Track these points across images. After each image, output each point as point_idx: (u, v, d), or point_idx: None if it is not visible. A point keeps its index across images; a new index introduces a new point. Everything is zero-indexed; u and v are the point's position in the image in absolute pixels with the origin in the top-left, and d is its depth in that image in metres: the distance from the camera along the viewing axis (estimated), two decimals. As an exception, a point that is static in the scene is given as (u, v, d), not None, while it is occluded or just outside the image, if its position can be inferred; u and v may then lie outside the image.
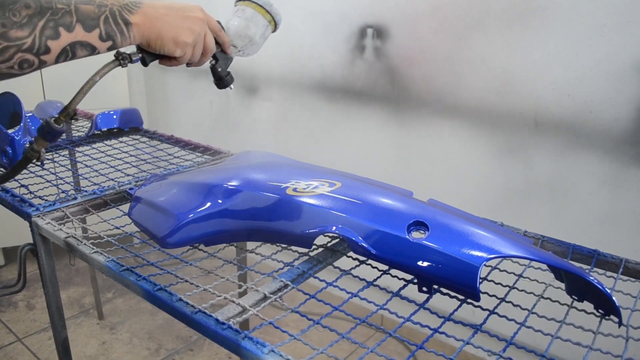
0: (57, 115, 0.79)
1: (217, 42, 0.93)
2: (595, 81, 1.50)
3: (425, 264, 0.74)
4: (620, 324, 0.74)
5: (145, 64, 0.83)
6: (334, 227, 0.81)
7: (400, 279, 0.84)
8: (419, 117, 1.91)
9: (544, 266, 0.88)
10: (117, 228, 1.01)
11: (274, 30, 1.02)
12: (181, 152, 1.51)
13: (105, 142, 1.54)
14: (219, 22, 0.93)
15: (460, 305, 0.77)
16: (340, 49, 2.06)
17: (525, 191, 1.72)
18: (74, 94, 0.79)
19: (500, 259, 0.89)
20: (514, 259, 0.87)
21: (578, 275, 0.74)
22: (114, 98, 2.66)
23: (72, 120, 1.75)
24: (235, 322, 0.71)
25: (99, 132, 1.58)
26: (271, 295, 0.77)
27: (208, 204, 0.88)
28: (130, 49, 0.83)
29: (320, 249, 0.92)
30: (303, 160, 1.18)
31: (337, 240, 0.95)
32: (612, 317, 0.75)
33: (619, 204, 1.54)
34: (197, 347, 2.21)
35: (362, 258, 0.88)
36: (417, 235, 0.77)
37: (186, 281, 0.82)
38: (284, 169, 0.99)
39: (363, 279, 0.84)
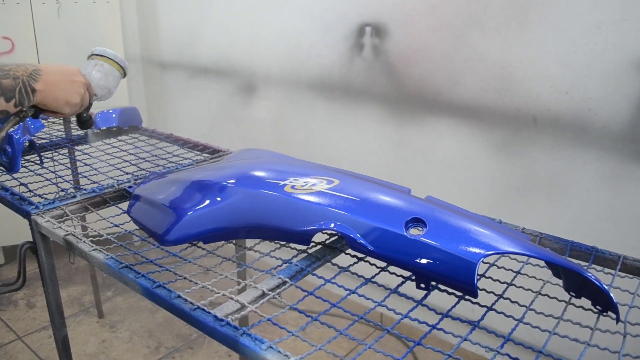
0: None
1: None
2: (593, 78, 1.50)
3: (423, 260, 0.74)
4: (617, 320, 0.74)
5: (36, 117, 0.96)
6: (332, 224, 0.81)
7: (398, 275, 0.84)
8: (417, 115, 1.91)
9: (542, 263, 0.88)
10: (116, 226, 1.01)
11: (124, 77, 1.19)
12: (180, 150, 1.51)
13: (105, 140, 1.54)
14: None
15: (458, 302, 0.77)
16: (339, 48, 2.06)
17: (523, 188, 1.72)
18: None
19: (498, 256, 0.90)
20: (512, 256, 0.88)
21: (576, 271, 0.75)
22: (113, 97, 2.65)
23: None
24: (234, 319, 0.71)
25: (98, 130, 1.58)
26: (269, 292, 0.77)
27: (207, 202, 0.89)
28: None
29: (319, 246, 0.92)
30: (302, 158, 1.18)
31: (336, 237, 0.96)
32: (609, 313, 0.76)
33: (618, 201, 1.54)
34: (197, 345, 2.21)
35: (360, 255, 0.88)
36: (415, 232, 0.77)
37: (185, 278, 0.82)
38: (282, 167, 0.99)
39: (361, 276, 0.84)
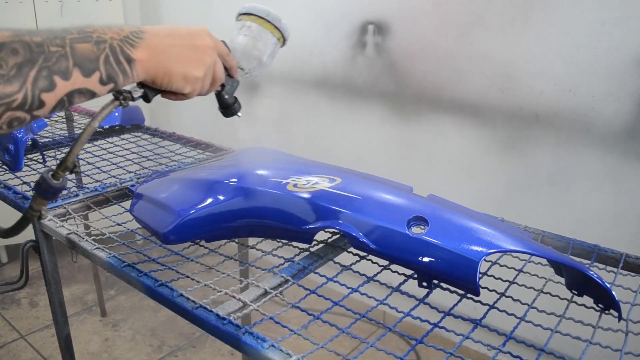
0: (54, 170, 0.69)
1: (224, 67, 0.83)
2: (596, 76, 1.50)
3: (425, 259, 0.74)
4: (619, 318, 0.74)
5: (147, 100, 0.72)
6: (334, 223, 0.81)
7: (400, 274, 0.84)
8: (420, 113, 1.91)
9: (544, 261, 0.88)
10: (118, 225, 1.01)
11: (282, 46, 0.92)
12: (182, 149, 1.51)
13: (107, 139, 1.55)
14: (224, 43, 0.82)
15: (460, 300, 0.77)
16: (342, 46, 2.06)
17: (526, 186, 1.72)
18: (72, 146, 0.70)
19: (500, 254, 0.90)
20: (514, 254, 0.88)
21: (578, 269, 0.75)
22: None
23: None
24: (236, 317, 0.71)
25: (100, 129, 1.58)
26: (272, 291, 0.77)
27: (209, 200, 0.89)
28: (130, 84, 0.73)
29: (321, 245, 0.93)
30: (305, 157, 1.18)
31: (338, 235, 0.96)
32: (611, 311, 0.76)
33: (621, 199, 1.53)
34: (199, 344, 2.22)
35: (362, 253, 0.88)
36: (417, 231, 0.77)
37: (187, 277, 0.82)
38: (285, 165, 0.99)
39: (363, 275, 0.84)
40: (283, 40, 0.89)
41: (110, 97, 0.71)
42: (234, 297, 0.75)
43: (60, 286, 1.08)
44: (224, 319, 0.70)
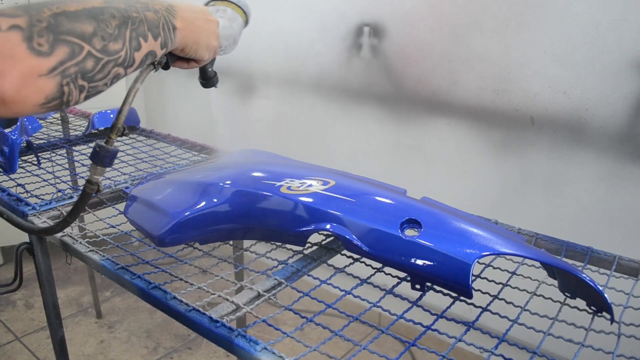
0: (106, 136, 0.73)
1: None
2: (590, 78, 1.50)
3: (418, 261, 0.74)
4: (612, 320, 0.74)
5: (167, 67, 0.80)
6: (328, 225, 0.81)
7: (394, 276, 0.84)
8: (415, 115, 1.91)
9: (537, 263, 0.88)
10: (113, 227, 1.01)
11: (246, 26, 1.04)
12: (178, 151, 1.51)
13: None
14: None
15: (452, 303, 0.77)
16: (337, 48, 2.06)
17: (521, 188, 1.72)
18: (119, 109, 0.73)
19: (493, 257, 0.90)
20: (507, 257, 0.88)
21: (570, 272, 0.75)
22: (111, 97, 2.65)
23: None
24: (229, 320, 0.71)
25: (96, 131, 1.58)
26: (265, 293, 0.77)
27: (203, 203, 0.89)
28: None
29: (315, 247, 0.93)
30: (300, 159, 1.18)
31: (331, 238, 0.96)
32: (604, 314, 0.76)
33: (615, 201, 1.54)
34: (195, 346, 2.21)
35: (356, 256, 0.88)
36: (410, 233, 0.77)
37: (181, 279, 0.82)
38: (279, 168, 0.99)
39: (357, 277, 0.84)
40: (247, 20, 1.02)
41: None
42: (227, 299, 0.75)
43: (54, 288, 1.07)
44: (217, 321, 0.70)
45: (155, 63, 0.76)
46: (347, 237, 0.79)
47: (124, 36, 0.60)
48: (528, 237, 0.97)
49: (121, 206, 1.08)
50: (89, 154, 0.72)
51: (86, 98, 0.58)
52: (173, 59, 0.80)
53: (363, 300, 0.79)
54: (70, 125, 1.73)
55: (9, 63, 0.48)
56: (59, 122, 1.75)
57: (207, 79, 0.97)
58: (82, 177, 1.27)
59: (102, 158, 0.73)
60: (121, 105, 0.73)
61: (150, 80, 2.99)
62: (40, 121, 1.54)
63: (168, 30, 0.70)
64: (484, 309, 0.77)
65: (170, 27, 0.70)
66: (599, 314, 0.76)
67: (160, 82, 2.95)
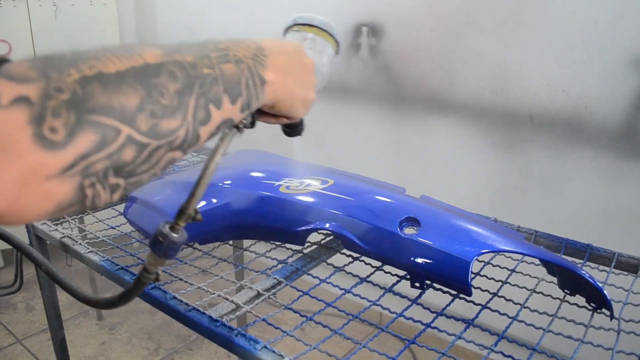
0: (172, 222, 0.55)
1: None
2: (589, 77, 1.50)
3: (418, 259, 0.75)
4: (611, 317, 0.74)
5: (253, 126, 0.59)
6: (327, 224, 0.82)
7: (393, 275, 0.84)
8: (414, 114, 1.91)
9: (537, 261, 0.88)
10: (112, 228, 1.01)
11: (337, 54, 0.79)
12: (177, 151, 1.51)
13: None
14: None
15: (452, 301, 0.77)
16: (336, 48, 2.06)
17: (520, 187, 1.72)
18: (191, 191, 0.54)
19: (493, 254, 0.90)
20: (507, 254, 0.88)
21: (569, 269, 0.75)
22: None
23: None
24: (229, 319, 0.71)
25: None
26: (265, 293, 0.77)
27: (202, 203, 0.89)
28: None
29: (314, 246, 0.93)
30: (299, 159, 1.19)
31: (331, 237, 0.96)
32: (603, 310, 0.76)
33: (615, 199, 1.54)
34: (196, 347, 2.22)
35: (355, 255, 0.88)
36: (409, 231, 0.77)
37: (181, 279, 0.83)
38: (277, 168, 1.00)
39: (356, 276, 0.84)
40: (337, 49, 0.77)
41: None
42: (227, 299, 0.75)
43: (54, 290, 1.07)
44: (216, 321, 0.70)
45: (240, 126, 0.55)
46: (347, 235, 0.79)
47: (185, 107, 0.42)
48: (527, 235, 0.97)
49: (121, 207, 1.08)
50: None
51: (123, 196, 0.41)
52: (258, 113, 0.60)
53: (363, 298, 0.79)
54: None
55: (2, 159, 0.31)
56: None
57: (293, 128, 0.76)
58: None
59: (166, 250, 0.55)
60: (195, 185, 0.53)
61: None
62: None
63: (254, 87, 0.51)
64: (484, 307, 0.77)
65: (257, 81, 0.51)
66: (599, 311, 0.76)
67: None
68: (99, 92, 0.35)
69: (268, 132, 2.42)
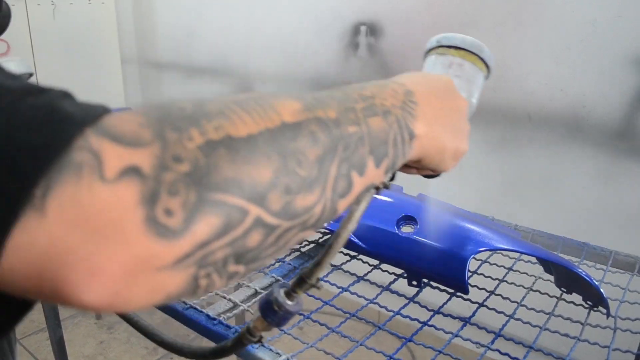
0: (289, 288, 0.46)
1: None
2: (587, 75, 1.51)
3: (415, 258, 0.75)
4: (608, 315, 0.74)
5: (393, 180, 0.48)
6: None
7: (390, 273, 0.84)
8: (413, 113, 1.92)
9: (534, 259, 0.89)
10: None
11: (487, 78, 0.71)
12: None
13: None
14: None
15: (449, 299, 0.77)
16: (334, 47, 2.07)
17: (518, 185, 1.72)
18: (318, 258, 0.43)
19: (490, 253, 0.90)
20: (504, 253, 0.88)
21: (566, 267, 0.75)
22: (109, 98, 2.66)
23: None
24: (226, 318, 0.71)
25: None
26: (262, 291, 0.78)
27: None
28: None
29: (311, 245, 0.93)
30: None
31: (328, 235, 0.96)
32: (600, 308, 0.76)
33: (612, 197, 1.54)
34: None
35: (352, 253, 0.88)
36: (406, 230, 0.77)
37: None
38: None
39: (354, 274, 0.84)
40: (488, 73, 0.69)
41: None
42: (225, 297, 0.75)
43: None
44: (214, 319, 0.70)
45: (380, 186, 0.44)
46: (344, 234, 0.79)
47: (325, 178, 0.33)
48: (525, 234, 0.97)
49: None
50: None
51: (235, 281, 0.36)
52: (403, 169, 0.53)
53: (360, 297, 0.79)
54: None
55: (105, 248, 0.24)
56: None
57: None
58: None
59: (280, 319, 0.47)
60: (323, 253, 0.42)
61: (148, 81, 3.00)
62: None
63: (402, 143, 0.42)
64: (481, 305, 0.77)
65: (406, 137, 0.42)
66: (595, 309, 0.77)
67: (158, 82, 2.95)
68: (226, 162, 0.28)
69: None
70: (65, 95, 0.26)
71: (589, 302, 0.77)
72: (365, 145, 0.37)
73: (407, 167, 0.51)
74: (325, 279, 0.82)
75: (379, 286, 0.82)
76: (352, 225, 0.42)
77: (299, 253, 0.90)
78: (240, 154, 0.28)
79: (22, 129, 0.23)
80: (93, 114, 0.25)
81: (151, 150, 0.25)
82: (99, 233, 0.23)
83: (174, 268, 0.26)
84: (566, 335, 0.71)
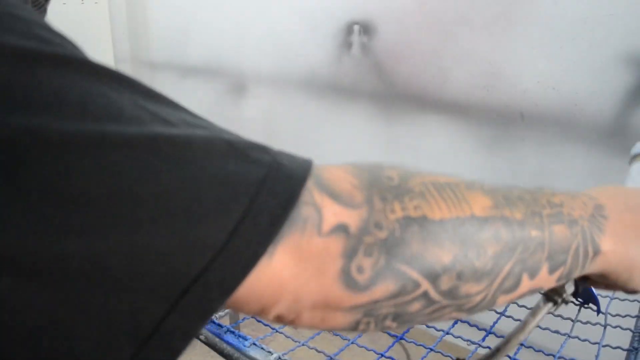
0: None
1: None
2: (579, 74, 1.51)
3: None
4: (598, 312, 0.75)
5: (575, 297, 0.49)
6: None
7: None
8: (406, 112, 1.92)
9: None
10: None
11: None
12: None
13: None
14: None
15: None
16: (327, 46, 2.07)
17: (511, 184, 1.73)
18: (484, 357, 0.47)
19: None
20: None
21: (557, 264, 0.75)
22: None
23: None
24: (219, 317, 0.71)
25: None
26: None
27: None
28: None
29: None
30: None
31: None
32: (590, 305, 0.76)
33: (605, 195, 1.55)
34: (189, 346, 2.21)
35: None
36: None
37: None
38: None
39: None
40: None
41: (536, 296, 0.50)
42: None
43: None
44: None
45: (559, 300, 0.47)
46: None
47: (496, 272, 0.36)
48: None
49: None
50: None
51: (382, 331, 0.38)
52: (583, 284, 0.51)
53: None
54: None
55: (307, 286, 0.30)
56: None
57: (591, 298, 0.63)
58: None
59: None
60: (491, 354, 0.45)
61: (141, 80, 2.99)
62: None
63: (583, 256, 0.41)
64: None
65: (589, 250, 0.41)
66: (586, 306, 0.77)
67: (152, 83, 2.93)
68: (417, 239, 0.32)
69: (259, 131, 2.41)
70: (268, 149, 0.32)
71: (579, 299, 0.77)
72: (544, 251, 0.38)
73: (595, 282, 0.49)
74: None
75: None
76: (523, 337, 0.45)
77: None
78: (430, 235, 0.32)
79: (254, 186, 0.28)
80: (307, 168, 0.30)
81: (360, 212, 0.30)
82: (308, 273, 0.29)
83: (347, 312, 0.31)
84: (557, 332, 0.71)
